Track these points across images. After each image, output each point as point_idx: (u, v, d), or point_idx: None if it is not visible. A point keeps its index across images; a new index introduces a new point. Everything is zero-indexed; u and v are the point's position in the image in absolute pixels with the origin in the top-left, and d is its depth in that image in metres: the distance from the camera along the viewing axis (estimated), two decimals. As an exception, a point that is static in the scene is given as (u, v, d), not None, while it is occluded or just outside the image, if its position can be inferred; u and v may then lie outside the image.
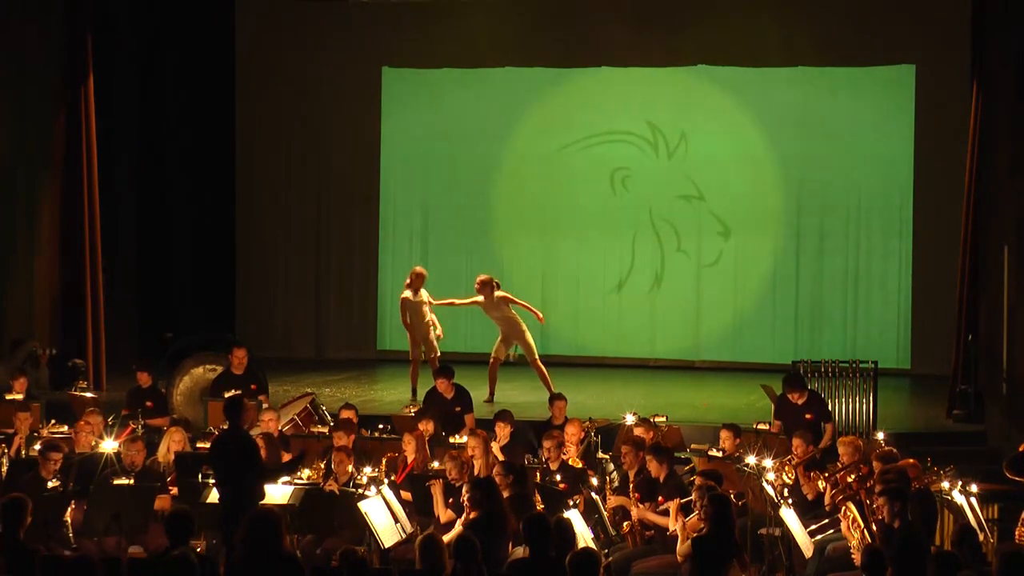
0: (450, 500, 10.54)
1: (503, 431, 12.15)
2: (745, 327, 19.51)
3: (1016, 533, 9.53)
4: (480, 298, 15.77)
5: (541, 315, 16.10)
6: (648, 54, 19.46)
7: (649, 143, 19.72)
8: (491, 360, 15.86)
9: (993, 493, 11.23)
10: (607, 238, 19.77)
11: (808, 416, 12.63)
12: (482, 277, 15.87)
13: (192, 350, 15.32)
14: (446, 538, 8.73)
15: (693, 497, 9.56)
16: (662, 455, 10.69)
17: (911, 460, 10.64)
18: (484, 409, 13.57)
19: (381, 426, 13.00)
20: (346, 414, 12.61)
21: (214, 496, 10.36)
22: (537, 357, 15.82)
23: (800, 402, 12.71)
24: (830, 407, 13.26)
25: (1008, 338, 14.51)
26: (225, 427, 10.42)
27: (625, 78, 19.64)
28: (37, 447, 11.19)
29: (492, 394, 15.71)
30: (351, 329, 20.30)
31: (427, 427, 12.20)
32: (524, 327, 15.76)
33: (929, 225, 18.64)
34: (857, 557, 9.25)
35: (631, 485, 10.69)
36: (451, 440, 12.44)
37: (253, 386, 13.90)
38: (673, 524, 9.75)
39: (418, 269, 16.12)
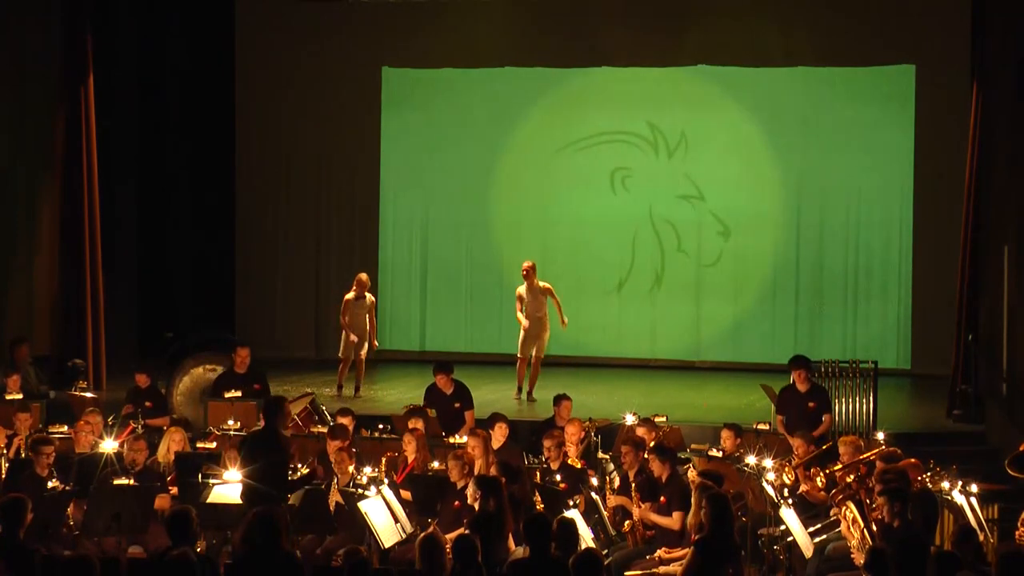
0: (456, 503, 10.52)
1: (498, 432, 12.12)
2: (745, 327, 19.50)
3: (1016, 533, 9.52)
4: (523, 288, 15.94)
5: (566, 320, 16.24)
6: (648, 54, 19.47)
7: (649, 143, 19.72)
8: (518, 360, 16.03)
9: (993, 493, 11.23)
10: (607, 238, 19.77)
11: (811, 405, 12.71)
12: (528, 263, 16.04)
13: (192, 350, 15.32)
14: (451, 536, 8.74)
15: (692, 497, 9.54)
16: (665, 455, 10.68)
17: (912, 460, 10.64)
18: (483, 410, 13.54)
19: (381, 426, 12.99)
20: (342, 420, 12.55)
21: (215, 496, 10.36)
22: (541, 359, 16.02)
23: (803, 389, 12.77)
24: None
25: (1008, 338, 14.51)
26: (259, 426, 10.37)
27: (625, 78, 19.64)
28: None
29: (523, 390, 15.97)
30: (351, 329, 20.29)
31: (417, 423, 12.18)
32: (548, 326, 16.00)
33: (929, 225, 18.64)
34: (857, 557, 9.25)
35: (632, 485, 10.68)
36: (450, 440, 12.43)
37: (256, 386, 13.90)
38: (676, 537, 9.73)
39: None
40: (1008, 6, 14.77)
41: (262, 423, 10.48)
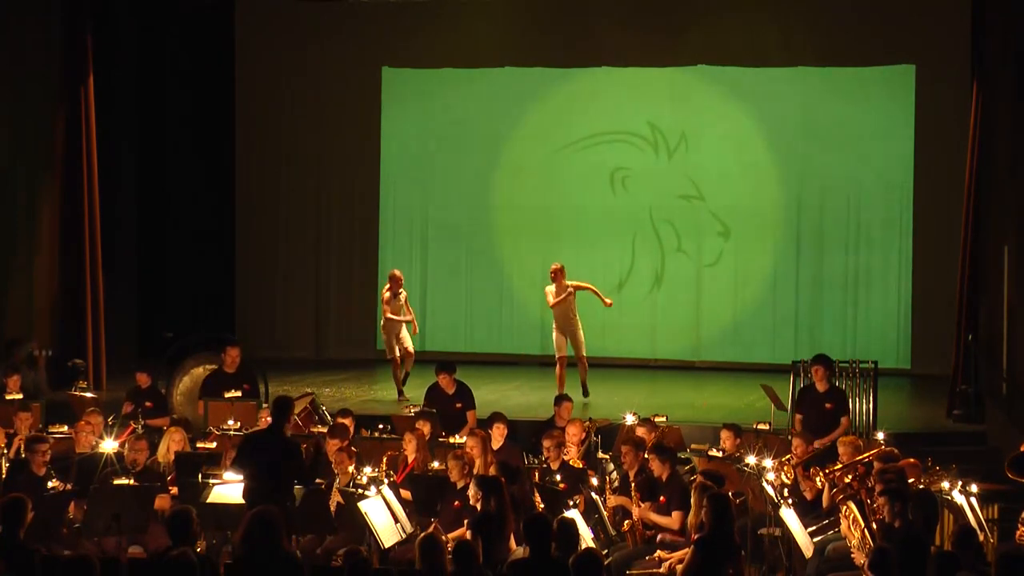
0: (456, 503, 10.51)
1: (497, 432, 12.11)
2: (745, 327, 19.51)
3: (1016, 533, 9.52)
4: (552, 287, 15.93)
5: (609, 300, 16.42)
6: (648, 54, 19.48)
7: (649, 143, 19.73)
8: (557, 359, 15.93)
9: (993, 493, 11.23)
10: (607, 238, 19.77)
11: (828, 406, 12.68)
12: (556, 265, 16.05)
13: (192, 350, 15.32)
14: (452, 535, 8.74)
15: (692, 497, 9.56)
16: (665, 455, 10.69)
17: (911, 460, 10.64)
18: (483, 410, 13.53)
19: (381, 426, 12.99)
20: (341, 421, 12.55)
21: (215, 496, 10.36)
22: (584, 354, 16.03)
23: (822, 389, 12.74)
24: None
25: (1008, 338, 14.52)
26: (264, 426, 10.34)
27: (625, 78, 19.64)
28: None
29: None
30: (351, 329, 20.31)
31: (424, 427, 12.18)
32: (580, 325, 15.92)
33: (929, 225, 18.65)
34: (857, 557, 9.25)
35: (632, 485, 10.69)
36: (451, 440, 12.43)
37: (246, 385, 13.87)
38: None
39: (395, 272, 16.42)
40: (1008, 6, 14.77)
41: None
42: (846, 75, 19.11)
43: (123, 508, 10.28)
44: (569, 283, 15.98)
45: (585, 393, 15.85)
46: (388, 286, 16.26)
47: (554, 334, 16.07)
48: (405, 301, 16.23)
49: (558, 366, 15.91)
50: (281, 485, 9.84)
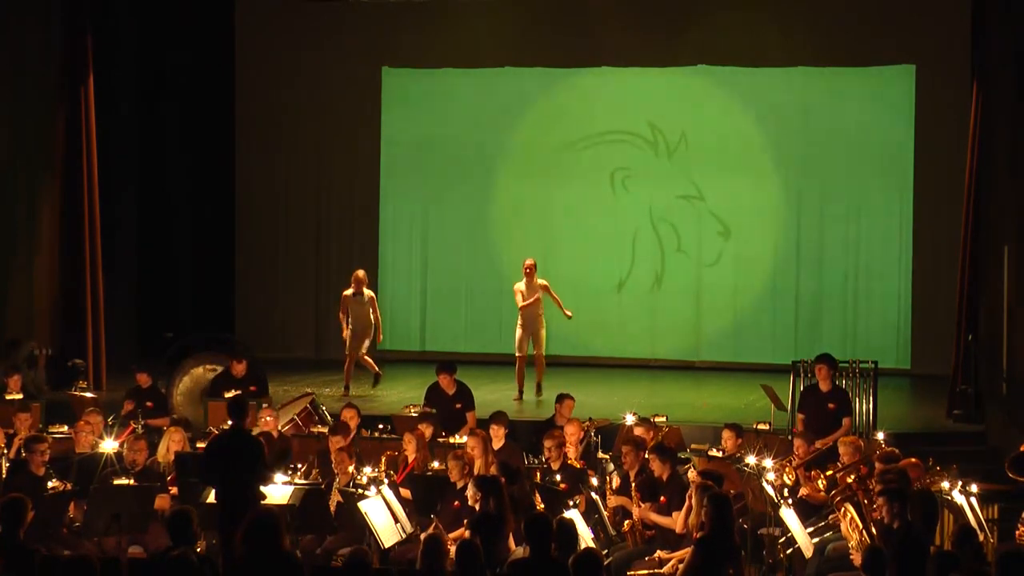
0: (456, 503, 10.51)
1: (498, 432, 12.11)
2: (745, 327, 19.50)
3: (1016, 533, 9.52)
4: (521, 284, 16.06)
5: (569, 312, 16.41)
6: (648, 54, 19.48)
7: (649, 143, 19.72)
8: (517, 359, 16.07)
9: (993, 493, 11.23)
10: (607, 238, 19.77)
11: (831, 406, 12.68)
12: (530, 261, 16.15)
13: (192, 350, 15.32)
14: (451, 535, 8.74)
15: (691, 495, 9.55)
16: (665, 455, 10.69)
17: (912, 460, 10.64)
18: (483, 410, 13.54)
19: (381, 426, 12.99)
20: (347, 414, 12.58)
21: (215, 496, 10.36)
22: (544, 353, 16.19)
23: (824, 389, 12.74)
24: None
25: (1008, 338, 14.52)
26: (226, 427, 10.42)
27: (625, 78, 19.65)
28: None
29: (523, 392, 16.02)
30: (351, 329, 20.30)
31: (427, 430, 12.18)
32: (544, 323, 16.07)
33: (929, 225, 18.65)
34: (856, 558, 9.24)
35: (632, 485, 10.69)
36: (451, 440, 12.42)
37: (253, 387, 13.90)
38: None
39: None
40: (1008, 6, 14.78)
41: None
42: (846, 75, 19.11)
43: (123, 508, 10.30)
44: (541, 282, 16.03)
45: (539, 392, 15.95)
46: (352, 285, 16.38)
47: (518, 331, 16.15)
48: (372, 303, 16.30)
49: (518, 364, 16.05)
50: (247, 482, 9.86)
